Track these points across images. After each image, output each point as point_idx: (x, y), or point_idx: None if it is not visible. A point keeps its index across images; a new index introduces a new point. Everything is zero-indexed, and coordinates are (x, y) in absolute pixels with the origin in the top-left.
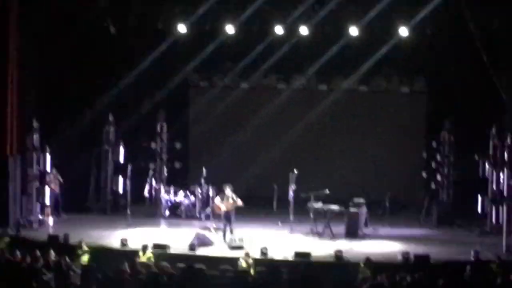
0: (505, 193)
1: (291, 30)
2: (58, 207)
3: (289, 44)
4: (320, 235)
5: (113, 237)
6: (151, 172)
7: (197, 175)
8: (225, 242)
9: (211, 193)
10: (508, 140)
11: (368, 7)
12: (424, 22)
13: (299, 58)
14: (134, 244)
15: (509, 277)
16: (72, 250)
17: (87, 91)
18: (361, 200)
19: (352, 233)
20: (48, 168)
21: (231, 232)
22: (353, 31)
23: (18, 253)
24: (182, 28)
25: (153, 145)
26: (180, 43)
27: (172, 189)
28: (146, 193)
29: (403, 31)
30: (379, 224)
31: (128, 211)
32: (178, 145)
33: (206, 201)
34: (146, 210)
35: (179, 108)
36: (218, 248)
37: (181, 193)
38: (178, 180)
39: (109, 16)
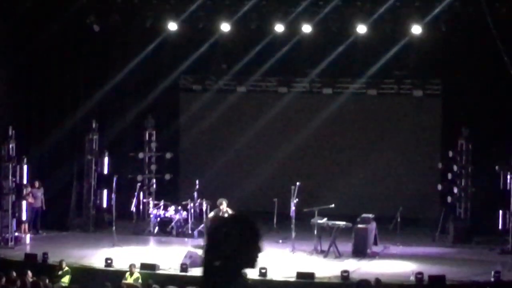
0: None
1: (293, 28)
2: (36, 223)
3: (291, 43)
4: (324, 254)
5: (97, 256)
6: (138, 185)
7: (189, 188)
8: None
9: (204, 207)
10: None
11: (377, 3)
12: (439, 18)
13: (302, 58)
14: (119, 264)
15: None
16: (52, 271)
17: (68, 96)
18: (370, 216)
19: (360, 252)
20: (24, 180)
21: None
22: (361, 29)
23: None
24: (172, 26)
25: (140, 155)
26: (170, 42)
27: (161, 204)
28: (133, 208)
29: (416, 29)
30: (390, 242)
31: (113, 228)
32: (168, 155)
33: (199, 217)
34: (133, 227)
35: (169, 115)
36: None
37: (171, 208)
38: (168, 194)
39: (92, 12)
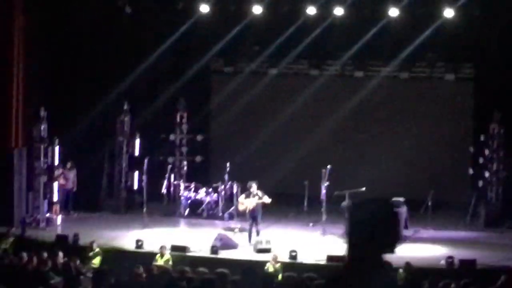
0: None
1: (325, 10)
2: (67, 205)
3: (323, 26)
4: None
5: (128, 238)
6: (169, 167)
7: (220, 170)
8: (251, 244)
9: (235, 190)
10: None
11: None
12: (472, 1)
13: (334, 41)
14: (150, 245)
15: None
16: (83, 252)
17: (100, 78)
18: (401, 199)
19: None
20: (56, 161)
21: (257, 233)
22: (393, 12)
23: (23, 254)
24: (204, 8)
25: (172, 137)
26: (202, 24)
27: (192, 186)
28: (164, 190)
29: (448, 12)
30: (421, 226)
31: (144, 210)
32: (199, 137)
33: (229, 199)
34: (163, 209)
35: (201, 97)
36: (242, 251)
37: (202, 190)
38: (199, 176)
39: None
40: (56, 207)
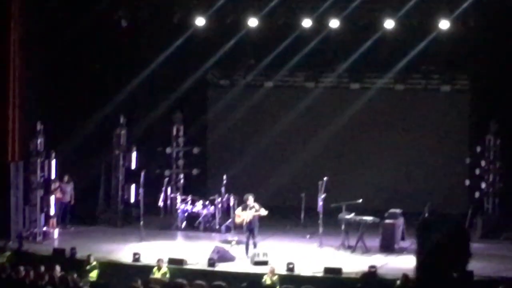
0: None
1: (320, 23)
2: (65, 218)
3: (318, 38)
4: (352, 249)
5: (125, 251)
6: (166, 180)
7: (217, 183)
8: (248, 257)
9: (232, 202)
10: None
11: None
12: (467, 13)
13: (329, 54)
14: (147, 259)
15: None
16: (80, 265)
17: (96, 91)
18: (398, 211)
19: (387, 247)
20: (53, 175)
21: (255, 246)
22: (389, 24)
23: (20, 268)
24: (200, 21)
25: (168, 150)
26: (198, 37)
27: (189, 199)
28: (160, 203)
29: (444, 24)
30: None
31: (141, 223)
32: (195, 150)
33: (226, 212)
34: (160, 222)
35: (197, 110)
36: (240, 264)
37: (199, 203)
38: (196, 189)
39: (120, 7)
40: (53, 221)
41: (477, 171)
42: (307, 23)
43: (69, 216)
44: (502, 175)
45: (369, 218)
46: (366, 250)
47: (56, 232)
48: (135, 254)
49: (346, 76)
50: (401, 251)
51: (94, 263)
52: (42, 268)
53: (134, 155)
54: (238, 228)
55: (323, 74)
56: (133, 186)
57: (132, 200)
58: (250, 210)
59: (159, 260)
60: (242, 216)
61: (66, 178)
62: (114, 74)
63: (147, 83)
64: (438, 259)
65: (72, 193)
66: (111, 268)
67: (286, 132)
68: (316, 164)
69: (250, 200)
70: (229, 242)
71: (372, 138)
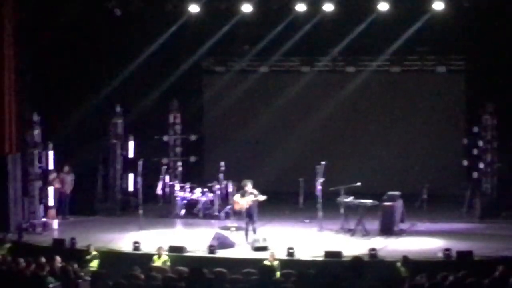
0: None
1: (315, 6)
2: (64, 209)
3: (312, 22)
4: (351, 232)
5: (124, 240)
6: (164, 168)
7: (215, 169)
8: (248, 242)
9: (230, 189)
10: None
11: None
12: None
13: (324, 37)
14: (147, 247)
15: None
16: (80, 256)
17: (91, 80)
18: (397, 193)
19: (387, 229)
20: (51, 166)
21: (254, 231)
22: (383, 6)
23: (21, 260)
24: (194, 8)
25: (165, 137)
26: (192, 24)
27: (187, 186)
28: (159, 191)
29: (438, 5)
30: (417, 219)
31: (140, 211)
32: (192, 137)
33: (225, 198)
34: (159, 210)
35: (193, 97)
36: (240, 250)
37: (197, 190)
38: (194, 176)
39: None
40: (52, 212)
41: (475, 151)
42: (301, 7)
43: (68, 206)
44: (500, 154)
45: (368, 201)
46: (366, 233)
47: (55, 223)
48: (135, 242)
49: (341, 60)
50: (401, 233)
51: (94, 252)
52: (43, 259)
53: (131, 144)
54: (237, 214)
55: (318, 58)
56: (131, 175)
57: (131, 189)
58: (248, 196)
59: (159, 248)
60: (240, 202)
61: (66, 168)
62: (109, 63)
63: (142, 71)
64: None
65: (72, 183)
66: (111, 257)
67: (282, 117)
68: (313, 148)
69: (249, 186)
70: (228, 228)
71: (369, 121)
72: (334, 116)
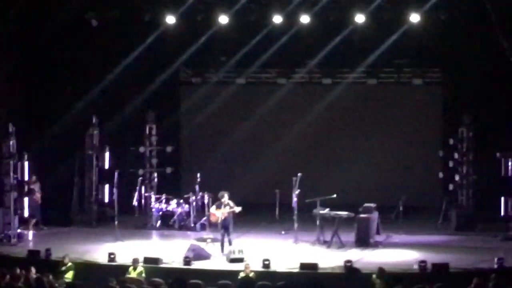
0: None
1: (291, 19)
2: (38, 218)
3: (289, 34)
4: (327, 244)
5: (100, 251)
6: (140, 179)
7: (191, 181)
8: (223, 254)
9: (206, 200)
10: None
11: None
12: (438, 6)
13: (300, 49)
14: (123, 258)
15: None
16: (55, 267)
17: (68, 91)
18: (372, 205)
19: (362, 241)
20: (26, 177)
21: (230, 243)
22: (359, 18)
23: None
24: (171, 19)
25: (141, 149)
26: (169, 35)
27: (163, 197)
28: (135, 202)
29: (414, 17)
30: (393, 231)
31: (116, 223)
32: (169, 149)
33: (201, 210)
34: (135, 221)
35: (169, 108)
36: (215, 261)
37: (173, 201)
38: (170, 187)
39: (90, 7)
40: (28, 223)
41: (451, 164)
42: (277, 19)
43: (43, 217)
44: (476, 167)
45: (343, 213)
46: (342, 245)
47: (30, 234)
48: (110, 254)
49: (317, 72)
50: (376, 245)
51: (70, 264)
52: (18, 270)
53: (107, 155)
54: (213, 226)
55: (295, 69)
56: (106, 186)
57: (106, 200)
58: (224, 208)
59: (134, 260)
60: (216, 214)
61: (33, 178)
62: (86, 74)
63: (118, 82)
64: None
65: (39, 192)
66: (86, 269)
67: (259, 128)
68: (290, 160)
69: (225, 197)
70: (204, 240)
71: (345, 133)
72: (311, 128)
